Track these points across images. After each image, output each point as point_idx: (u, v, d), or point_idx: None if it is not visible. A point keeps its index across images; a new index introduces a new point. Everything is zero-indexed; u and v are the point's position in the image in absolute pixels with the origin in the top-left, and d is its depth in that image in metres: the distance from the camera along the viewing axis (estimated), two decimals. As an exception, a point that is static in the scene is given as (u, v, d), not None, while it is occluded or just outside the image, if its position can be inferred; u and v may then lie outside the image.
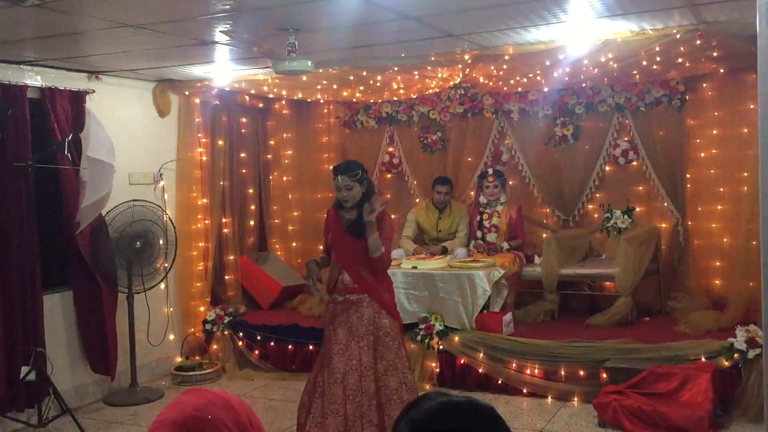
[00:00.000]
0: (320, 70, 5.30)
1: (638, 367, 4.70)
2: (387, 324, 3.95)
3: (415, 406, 1.31)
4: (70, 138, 4.96)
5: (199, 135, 6.46)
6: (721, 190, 5.99)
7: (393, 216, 4.77)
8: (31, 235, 4.91)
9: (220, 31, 4.20)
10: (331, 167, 4.13)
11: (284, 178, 7.52)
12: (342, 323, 3.95)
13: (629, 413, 4.40)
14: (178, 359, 6.24)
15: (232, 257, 6.79)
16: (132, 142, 5.82)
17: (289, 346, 6.00)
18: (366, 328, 3.91)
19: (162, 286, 5.93)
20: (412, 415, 1.28)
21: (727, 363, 4.64)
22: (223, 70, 5.61)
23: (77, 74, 5.39)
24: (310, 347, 5.89)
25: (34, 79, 5.06)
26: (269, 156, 7.46)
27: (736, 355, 4.62)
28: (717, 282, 6.10)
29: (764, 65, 2.16)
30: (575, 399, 5.00)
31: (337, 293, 3.99)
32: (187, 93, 6.25)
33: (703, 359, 4.71)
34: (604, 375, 4.86)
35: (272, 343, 6.07)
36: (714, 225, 6.09)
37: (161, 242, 5.61)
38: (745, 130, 5.62)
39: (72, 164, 5.12)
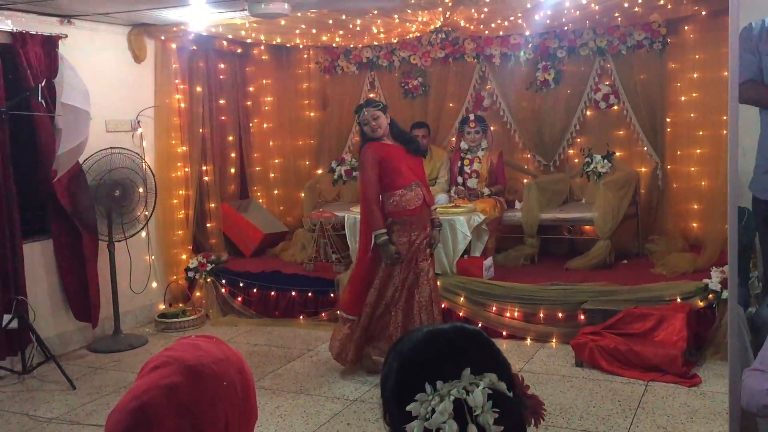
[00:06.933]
0: (298, 14, 5.20)
1: (615, 308, 4.78)
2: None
3: (402, 340, 1.28)
4: (43, 84, 4.84)
5: (177, 81, 6.35)
6: (701, 133, 6.01)
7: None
8: (8, 183, 4.85)
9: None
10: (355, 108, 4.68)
11: (264, 125, 7.45)
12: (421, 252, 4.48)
13: (605, 353, 4.51)
14: (162, 306, 6.26)
15: (213, 205, 6.76)
16: (108, 89, 5.71)
17: (272, 293, 6.04)
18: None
19: (143, 234, 5.91)
20: (399, 347, 1.26)
21: (701, 303, 4.74)
22: (198, 13, 5.48)
23: (49, 18, 5.24)
24: (293, 293, 5.93)
25: (4, 23, 4.92)
26: (249, 102, 7.36)
27: (710, 295, 4.71)
28: (694, 225, 6.17)
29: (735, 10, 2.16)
30: (553, 340, 5.09)
31: (422, 215, 4.46)
32: (163, 38, 6.12)
33: (679, 300, 4.80)
34: (582, 317, 4.94)
35: (255, 290, 6.10)
36: (693, 168, 6.13)
37: (141, 190, 5.57)
38: (726, 73, 5.56)
39: (47, 111, 5.02)
